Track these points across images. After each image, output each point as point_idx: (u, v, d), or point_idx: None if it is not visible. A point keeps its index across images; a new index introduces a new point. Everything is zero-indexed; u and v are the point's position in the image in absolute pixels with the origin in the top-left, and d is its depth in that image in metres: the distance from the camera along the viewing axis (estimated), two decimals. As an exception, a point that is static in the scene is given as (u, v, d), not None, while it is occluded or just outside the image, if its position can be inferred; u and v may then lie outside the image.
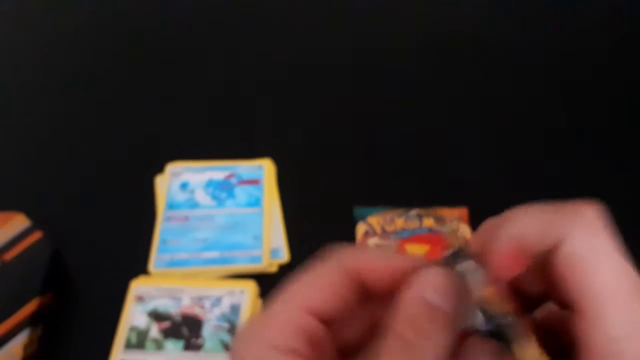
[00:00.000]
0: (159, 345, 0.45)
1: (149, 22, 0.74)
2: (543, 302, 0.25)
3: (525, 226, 0.22)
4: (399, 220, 0.51)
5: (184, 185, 0.55)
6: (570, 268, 0.21)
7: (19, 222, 0.50)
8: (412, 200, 0.53)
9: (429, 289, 0.22)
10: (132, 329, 0.46)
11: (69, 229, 0.54)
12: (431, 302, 0.21)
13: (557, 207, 0.22)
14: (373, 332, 0.23)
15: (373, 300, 0.24)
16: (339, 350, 0.25)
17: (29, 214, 0.51)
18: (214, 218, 0.53)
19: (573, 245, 0.21)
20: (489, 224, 0.24)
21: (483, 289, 0.23)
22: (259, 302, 0.48)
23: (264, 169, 0.56)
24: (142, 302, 0.48)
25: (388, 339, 0.21)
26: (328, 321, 0.24)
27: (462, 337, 0.22)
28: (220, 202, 0.54)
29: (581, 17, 0.72)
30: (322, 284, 0.24)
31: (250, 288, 0.48)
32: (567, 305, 0.21)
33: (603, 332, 0.20)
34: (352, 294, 0.24)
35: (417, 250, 0.49)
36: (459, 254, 0.24)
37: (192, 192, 0.55)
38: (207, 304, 0.47)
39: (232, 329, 0.46)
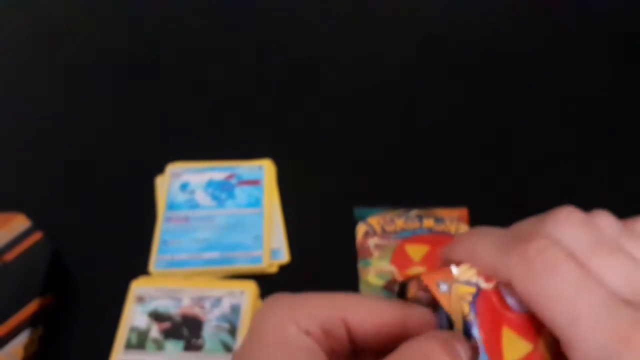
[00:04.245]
0: (159, 346, 0.45)
1: (149, 22, 0.74)
2: None
3: (476, 254, 0.23)
4: (399, 221, 0.51)
5: (184, 186, 0.55)
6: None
7: (19, 223, 0.50)
8: (412, 201, 0.53)
9: None
10: (132, 329, 0.46)
11: (69, 229, 0.54)
12: None
13: (508, 239, 0.23)
14: None
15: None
16: None
17: (29, 214, 0.51)
18: (214, 218, 0.53)
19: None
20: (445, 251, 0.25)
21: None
22: (259, 302, 0.48)
23: (264, 169, 0.56)
24: (142, 302, 0.48)
25: None
26: (355, 341, 0.24)
27: None
28: (220, 203, 0.54)
29: (582, 17, 0.72)
30: (371, 307, 0.24)
31: (250, 288, 0.48)
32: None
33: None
34: (391, 330, 0.24)
35: (417, 250, 0.49)
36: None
37: (192, 192, 0.55)
38: (207, 304, 0.47)
39: (232, 330, 0.46)
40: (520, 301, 0.22)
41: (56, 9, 0.76)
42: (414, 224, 0.51)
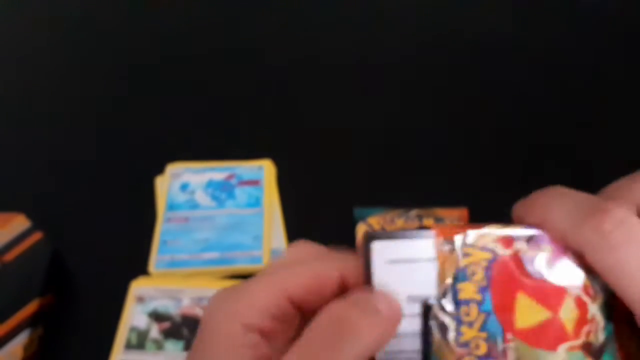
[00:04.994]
0: (159, 346, 0.45)
1: (148, 22, 0.74)
2: None
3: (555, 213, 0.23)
4: (399, 221, 0.51)
5: (184, 186, 0.55)
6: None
7: (19, 223, 0.50)
8: (412, 201, 0.53)
9: (344, 305, 0.22)
10: (132, 329, 0.46)
11: (69, 229, 0.54)
12: (340, 317, 0.22)
13: (585, 205, 0.22)
14: None
15: None
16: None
17: (29, 214, 0.51)
18: (214, 219, 0.53)
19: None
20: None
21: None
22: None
23: (264, 170, 0.56)
24: (142, 302, 0.48)
25: (295, 346, 0.22)
26: (304, 313, 0.24)
27: None
28: (220, 203, 0.54)
29: (582, 17, 0.72)
30: (313, 279, 0.24)
31: (250, 288, 0.48)
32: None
33: None
34: (335, 294, 0.24)
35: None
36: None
37: (192, 192, 0.55)
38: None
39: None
40: (547, 269, 0.22)
41: (56, 9, 0.76)
42: (414, 224, 0.51)
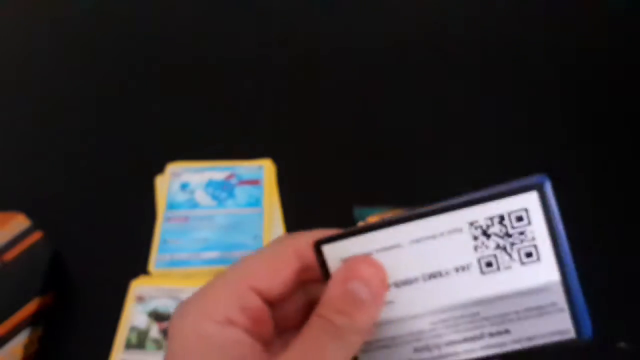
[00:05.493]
0: (159, 346, 0.45)
1: (148, 23, 0.74)
2: None
3: None
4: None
5: (184, 186, 0.55)
6: None
7: (19, 222, 0.50)
8: (412, 201, 0.53)
9: (353, 280, 0.23)
10: (132, 329, 0.46)
11: (69, 229, 0.54)
12: (354, 291, 0.22)
13: None
14: (310, 310, 0.23)
15: (314, 281, 0.25)
16: (277, 325, 0.25)
17: (29, 214, 0.51)
18: (214, 218, 0.53)
19: None
20: None
21: None
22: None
23: (264, 169, 0.56)
24: (142, 302, 0.48)
25: (311, 320, 0.22)
26: (270, 300, 0.24)
27: None
28: (220, 202, 0.54)
29: (582, 16, 0.72)
30: (270, 264, 0.24)
31: (250, 288, 0.48)
32: None
33: None
34: (297, 275, 0.25)
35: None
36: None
37: (192, 192, 0.55)
38: (207, 304, 0.47)
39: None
40: None
41: (56, 9, 0.76)
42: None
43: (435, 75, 0.66)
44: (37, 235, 0.50)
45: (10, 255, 0.48)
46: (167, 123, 0.62)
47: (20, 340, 0.44)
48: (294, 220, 0.53)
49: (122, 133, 0.62)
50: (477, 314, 0.23)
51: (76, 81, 0.68)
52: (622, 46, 0.68)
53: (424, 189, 0.55)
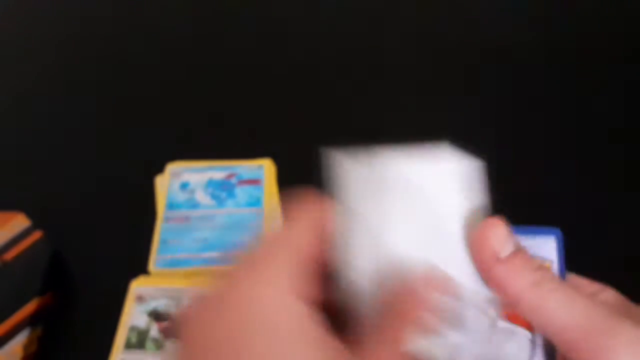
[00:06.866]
0: (159, 345, 0.45)
1: (149, 22, 0.74)
2: None
3: None
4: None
5: (184, 185, 0.55)
6: None
7: (19, 222, 0.50)
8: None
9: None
10: (132, 329, 0.46)
11: (69, 229, 0.54)
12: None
13: None
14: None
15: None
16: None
17: (29, 214, 0.51)
18: (214, 218, 0.53)
19: None
20: None
21: None
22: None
23: (264, 169, 0.56)
24: (142, 302, 0.48)
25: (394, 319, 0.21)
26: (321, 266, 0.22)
27: None
28: (220, 202, 0.54)
29: (582, 16, 0.72)
30: (303, 224, 0.22)
31: (250, 288, 0.48)
32: None
33: None
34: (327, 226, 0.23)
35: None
36: None
37: (192, 192, 0.55)
38: (207, 303, 0.47)
39: (232, 329, 0.46)
40: None
41: (56, 9, 0.76)
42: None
43: (435, 75, 0.66)
44: (37, 235, 0.50)
45: (10, 255, 0.48)
46: (167, 123, 0.62)
47: (19, 340, 0.44)
48: (294, 220, 0.53)
49: (122, 133, 0.62)
50: None
51: (76, 81, 0.68)
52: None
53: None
